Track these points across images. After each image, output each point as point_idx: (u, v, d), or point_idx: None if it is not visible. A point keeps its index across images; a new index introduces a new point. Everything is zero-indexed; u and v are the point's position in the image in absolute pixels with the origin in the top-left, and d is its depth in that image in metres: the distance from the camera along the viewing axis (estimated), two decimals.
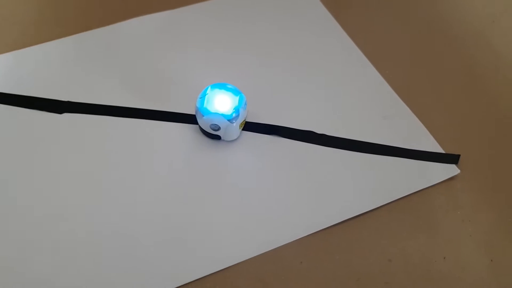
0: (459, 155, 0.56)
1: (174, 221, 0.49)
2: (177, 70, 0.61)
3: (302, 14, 0.69)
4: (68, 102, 0.56)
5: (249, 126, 0.55)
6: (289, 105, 0.58)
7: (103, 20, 0.66)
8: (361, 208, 0.51)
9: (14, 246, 0.46)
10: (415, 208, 0.52)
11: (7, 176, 0.50)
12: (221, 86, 0.52)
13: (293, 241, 0.48)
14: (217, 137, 0.53)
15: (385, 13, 0.72)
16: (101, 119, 0.55)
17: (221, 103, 0.51)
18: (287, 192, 0.51)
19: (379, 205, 0.51)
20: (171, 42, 0.64)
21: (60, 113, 0.54)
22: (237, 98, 0.51)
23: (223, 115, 0.51)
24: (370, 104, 0.60)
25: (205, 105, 0.51)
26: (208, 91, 0.52)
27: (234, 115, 0.51)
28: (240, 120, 0.52)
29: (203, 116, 0.51)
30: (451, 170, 0.54)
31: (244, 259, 0.47)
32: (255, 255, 0.47)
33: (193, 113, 0.55)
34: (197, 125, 0.54)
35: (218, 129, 0.52)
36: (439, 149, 0.56)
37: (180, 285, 0.45)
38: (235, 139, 0.54)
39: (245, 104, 0.52)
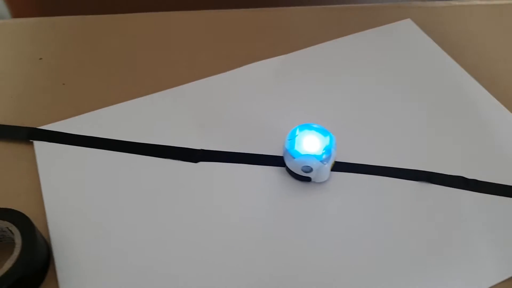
0: None
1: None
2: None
3: (405, 47, 0.67)
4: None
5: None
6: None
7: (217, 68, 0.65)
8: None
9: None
10: None
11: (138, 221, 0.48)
12: (309, 126, 0.51)
13: None
14: (307, 179, 0.52)
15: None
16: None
17: (311, 144, 0.50)
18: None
19: None
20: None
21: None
22: (327, 138, 0.50)
23: (315, 156, 0.49)
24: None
25: (295, 147, 0.50)
26: (297, 132, 0.51)
27: (325, 156, 0.49)
28: (332, 160, 0.51)
29: (294, 158, 0.50)
30: None
31: None
32: None
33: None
34: (283, 167, 0.53)
35: (310, 170, 0.50)
36: None
37: None
38: (326, 180, 0.52)
39: (335, 144, 0.51)
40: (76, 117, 0.58)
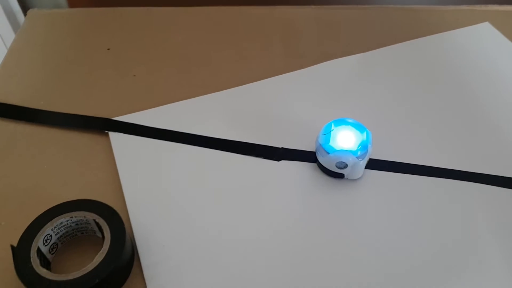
0: None
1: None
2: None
3: (484, 50, 0.65)
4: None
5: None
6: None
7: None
8: None
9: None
10: None
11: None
12: (344, 122, 0.49)
13: None
14: (340, 176, 0.50)
15: None
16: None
17: (346, 139, 0.48)
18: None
19: None
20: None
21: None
22: (363, 134, 0.48)
23: (351, 151, 0.47)
24: None
25: (330, 142, 0.48)
26: (332, 127, 0.49)
27: (360, 152, 0.48)
28: (367, 157, 0.49)
29: (329, 153, 0.48)
30: None
31: None
32: None
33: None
34: (314, 163, 0.52)
35: (345, 167, 0.48)
36: None
37: None
38: (359, 178, 0.50)
39: (372, 140, 0.49)
40: (151, 109, 0.57)
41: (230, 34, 0.68)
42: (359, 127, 0.49)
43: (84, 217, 0.43)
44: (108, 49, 0.66)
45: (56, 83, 0.61)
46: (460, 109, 0.57)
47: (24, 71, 0.63)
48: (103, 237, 0.44)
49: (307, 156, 0.52)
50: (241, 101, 0.58)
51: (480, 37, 0.66)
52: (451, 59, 0.63)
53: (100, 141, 0.54)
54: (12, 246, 0.41)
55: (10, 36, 0.91)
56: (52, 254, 0.44)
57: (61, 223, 0.43)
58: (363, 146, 0.48)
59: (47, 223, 0.42)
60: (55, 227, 0.43)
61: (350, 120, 0.49)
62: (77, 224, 0.44)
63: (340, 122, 0.49)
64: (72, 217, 0.43)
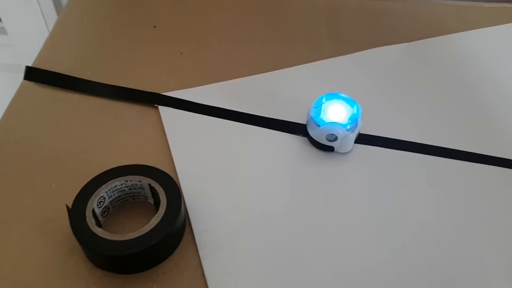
0: None
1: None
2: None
3: None
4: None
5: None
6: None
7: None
8: None
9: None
10: None
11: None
12: (335, 96, 0.50)
13: None
14: (330, 149, 0.51)
15: None
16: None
17: (336, 113, 0.49)
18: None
19: None
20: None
21: None
22: (353, 107, 0.49)
23: (342, 124, 0.48)
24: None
25: (321, 115, 0.49)
26: (324, 100, 0.50)
27: (351, 125, 0.49)
28: (357, 131, 0.50)
29: (319, 126, 0.49)
30: None
31: None
32: None
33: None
34: (305, 137, 0.52)
35: (335, 139, 0.49)
36: None
37: None
38: (349, 151, 0.51)
39: (362, 114, 0.50)
40: (198, 87, 0.57)
41: (274, 18, 0.68)
42: (350, 101, 0.50)
43: (139, 181, 0.43)
44: (155, 26, 0.66)
45: (102, 55, 0.61)
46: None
47: (71, 42, 0.63)
48: (155, 203, 0.44)
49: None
50: (282, 84, 0.58)
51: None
52: (482, 56, 0.63)
53: (148, 114, 0.54)
54: (67, 206, 0.41)
55: (52, 13, 0.92)
56: (104, 217, 0.44)
57: (115, 186, 0.43)
58: (353, 119, 0.49)
59: (102, 185, 0.43)
60: (109, 190, 0.43)
61: (342, 95, 0.50)
62: (130, 189, 0.44)
63: (332, 96, 0.50)
64: (127, 181, 0.44)
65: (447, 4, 0.72)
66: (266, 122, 0.54)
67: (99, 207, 0.43)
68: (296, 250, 0.43)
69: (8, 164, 0.49)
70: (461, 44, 0.65)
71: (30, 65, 0.58)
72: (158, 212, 0.41)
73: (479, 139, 0.53)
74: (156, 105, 0.55)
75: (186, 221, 0.44)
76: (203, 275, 0.41)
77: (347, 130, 0.48)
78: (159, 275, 0.41)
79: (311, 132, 0.50)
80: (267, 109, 0.55)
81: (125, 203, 0.46)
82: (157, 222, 0.40)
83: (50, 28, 0.66)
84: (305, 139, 0.52)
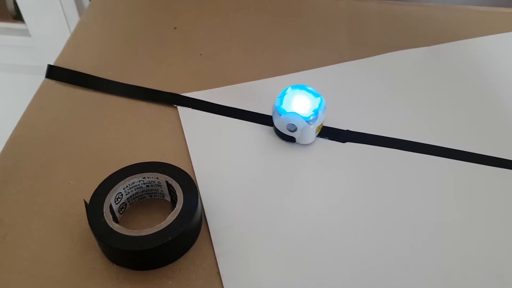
0: None
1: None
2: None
3: None
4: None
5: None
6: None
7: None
8: None
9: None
10: None
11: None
12: (301, 87, 0.51)
13: None
14: (292, 139, 0.51)
15: None
16: None
17: (300, 104, 0.50)
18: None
19: None
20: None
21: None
22: (317, 100, 0.50)
23: (301, 116, 0.49)
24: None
25: (283, 104, 0.50)
26: (288, 91, 0.51)
27: (312, 117, 0.49)
28: (318, 123, 0.50)
29: (280, 115, 0.50)
30: None
31: None
32: None
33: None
34: (271, 127, 0.53)
35: (295, 130, 0.50)
36: None
37: None
38: (310, 143, 0.52)
39: (324, 107, 0.50)
40: (217, 88, 0.58)
41: (294, 20, 0.69)
42: (314, 94, 0.50)
43: (157, 178, 0.44)
44: (175, 28, 0.67)
45: (123, 55, 0.62)
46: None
47: (92, 42, 0.64)
48: (173, 200, 0.45)
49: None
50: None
51: None
52: (502, 61, 0.62)
53: (167, 113, 0.55)
54: (85, 201, 0.42)
55: (74, 15, 0.93)
56: (121, 213, 0.45)
57: (133, 183, 0.44)
58: (315, 111, 0.49)
59: (120, 181, 0.43)
60: (127, 186, 0.43)
61: (309, 88, 0.51)
62: (148, 186, 0.45)
63: (298, 87, 0.51)
64: (144, 178, 0.44)
65: (467, 9, 0.71)
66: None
67: (116, 203, 0.43)
68: (312, 249, 0.43)
69: (29, 160, 0.49)
70: (481, 48, 0.64)
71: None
72: (175, 208, 0.41)
73: (495, 143, 0.53)
74: (175, 105, 0.55)
75: (203, 219, 0.45)
76: (218, 273, 0.41)
77: (308, 121, 0.49)
78: (174, 271, 0.41)
79: (274, 121, 0.51)
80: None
81: (143, 200, 0.46)
82: (174, 218, 0.40)
83: (72, 30, 0.66)
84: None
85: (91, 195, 0.42)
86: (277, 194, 0.47)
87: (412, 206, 0.46)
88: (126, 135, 0.52)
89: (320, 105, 0.50)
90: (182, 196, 0.42)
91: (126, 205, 0.45)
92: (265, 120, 0.54)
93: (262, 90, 0.58)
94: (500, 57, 0.63)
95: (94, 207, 0.42)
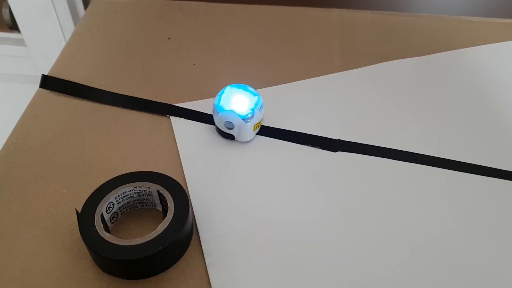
0: None
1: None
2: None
3: None
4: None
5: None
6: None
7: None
8: None
9: None
10: None
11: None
12: (241, 86, 0.52)
13: None
14: (231, 137, 0.53)
15: None
16: None
17: (238, 102, 0.51)
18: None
19: None
20: None
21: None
22: (254, 99, 0.51)
23: (238, 114, 0.50)
24: None
25: (221, 103, 0.51)
26: (227, 89, 0.52)
27: (249, 115, 0.51)
28: (255, 121, 0.52)
29: (219, 113, 0.51)
30: None
31: None
32: None
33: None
34: (213, 125, 0.54)
35: (232, 127, 0.51)
36: None
37: None
38: (249, 141, 0.53)
39: (262, 106, 0.52)
40: (210, 99, 0.58)
41: (287, 31, 0.69)
42: (253, 93, 0.52)
43: (148, 187, 0.44)
44: (169, 38, 0.67)
45: (117, 65, 0.62)
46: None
47: (87, 52, 0.64)
48: (164, 210, 0.45)
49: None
50: (294, 96, 0.59)
51: None
52: (494, 71, 0.63)
53: (160, 123, 0.55)
54: (76, 211, 0.42)
55: (70, 25, 0.94)
56: (112, 223, 0.45)
57: (125, 192, 0.44)
58: (252, 110, 0.51)
59: (111, 191, 0.43)
60: (118, 196, 0.44)
61: (249, 87, 0.52)
62: (139, 195, 0.45)
63: (237, 86, 0.52)
64: (136, 187, 0.44)
65: (459, 19, 0.72)
66: (277, 133, 0.55)
67: (108, 213, 0.43)
68: (303, 259, 0.43)
69: (21, 169, 0.50)
70: (473, 59, 0.65)
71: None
72: (166, 218, 0.41)
73: (488, 152, 0.53)
74: (168, 115, 0.55)
75: (194, 229, 0.45)
76: (209, 282, 0.41)
77: (244, 119, 0.50)
78: (165, 281, 0.41)
79: (214, 118, 0.53)
80: (275, 120, 0.56)
81: (134, 210, 0.46)
82: (164, 228, 0.41)
83: (67, 39, 0.67)
84: None
85: (83, 204, 0.42)
86: (269, 203, 0.47)
87: (406, 216, 0.47)
88: (118, 144, 0.52)
89: (256, 104, 0.51)
90: (173, 205, 0.42)
91: (117, 214, 0.45)
92: (259, 131, 0.54)
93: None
94: (492, 67, 0.63)
95: (85, 216, 0.42)
